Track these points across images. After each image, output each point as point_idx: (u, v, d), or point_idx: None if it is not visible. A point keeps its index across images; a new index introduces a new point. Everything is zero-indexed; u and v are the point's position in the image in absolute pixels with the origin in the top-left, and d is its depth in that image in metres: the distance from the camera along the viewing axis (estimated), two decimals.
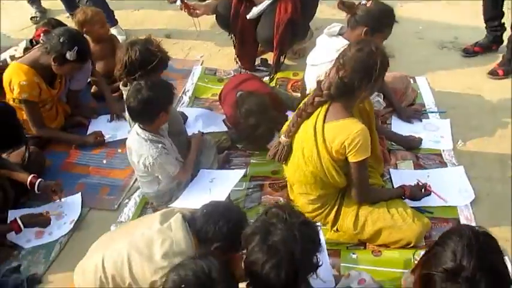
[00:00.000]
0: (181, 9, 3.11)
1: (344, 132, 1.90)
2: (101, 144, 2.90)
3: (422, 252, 1.95)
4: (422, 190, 2.19)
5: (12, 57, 3.11)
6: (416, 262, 1.94)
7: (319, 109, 1.97)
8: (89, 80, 3.16)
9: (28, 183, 2.45)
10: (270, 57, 3.35)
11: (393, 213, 2.06)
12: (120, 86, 2.60)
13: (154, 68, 2.39)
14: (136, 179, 2.66)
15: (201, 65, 3.51)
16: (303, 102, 2.08)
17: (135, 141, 2.26)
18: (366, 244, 2.13)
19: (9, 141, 2.28)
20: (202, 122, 2.87)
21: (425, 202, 2.22)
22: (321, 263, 1.47)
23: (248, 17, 3.04)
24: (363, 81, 1.86)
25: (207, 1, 3.26)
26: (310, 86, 2.52)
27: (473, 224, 2.09)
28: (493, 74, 2.98)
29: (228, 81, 2.98)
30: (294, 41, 3.15)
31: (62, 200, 2.52)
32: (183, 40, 3.83)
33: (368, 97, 2.05)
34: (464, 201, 2.26)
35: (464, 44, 3.33)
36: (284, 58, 3.17)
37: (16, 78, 2.64)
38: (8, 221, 2.36)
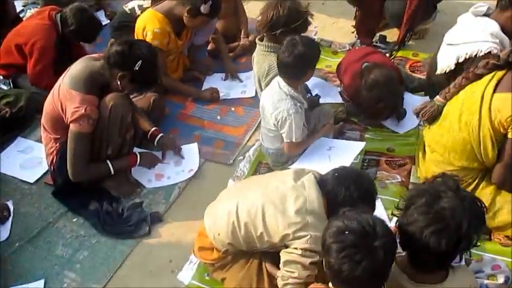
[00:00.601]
0: None
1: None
2: (216, 100, 2.98)
3: None
4: None
5: (140, 7, 3.25)
6: None
7: (490, 76, 1.91)
8: None
9: (149, 134, 2.58)
10: (388, 34, 3.26)
11: None
12: (256, 40, 2.63)
13: (298, 28, 2.41)
14: (249, 138, 2.74)
15: (315, 35, 3.47)
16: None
17: (276, 93, 2.29)
18: (491, 233, 2.05)
19: (150, 80, 2.38)
20: (318, 91, 2.85)
21: None
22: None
23: None
24: None
25: None
26: (444, 65, 2.42)
27: None
28: None
29: (350, 52, 2.94)
30: (422, 19, 3.02)
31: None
32: None
33: None
34: None
35: None
36: (411, 36, 3.06)
37: (151, 25, 2.75)
38: None
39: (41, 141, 2.63)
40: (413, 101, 2.76)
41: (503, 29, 2.27)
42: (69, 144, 2.28)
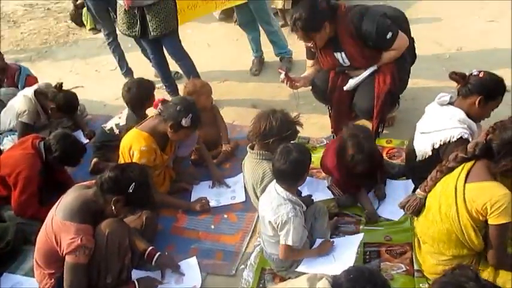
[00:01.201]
0: (282, 81, 3.30)
1: (487, 194, 1.94)
2: (206, 210, 3.00)
3: None
4: None
5: (118, 126, 3.36)
6: None
7: (460, 168, 2.04)
8: None
9: (147, 255, 2.54)
10: (360, 123, 3.48)
11: None
12: (248, 148, 2.74)
13: (289, 136, 2.54)
14: (247, 245, 2.74)
15: None
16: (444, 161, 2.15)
17: (275, 199, 2.35)
18: None
19: (145, 201, 2.39)
20: (307, 189, 2.94)
21: None
22: None
23: (345, 88, 3.20)
24: (505, 150, 1.94)
25: (305, 73, 3.45)
26: (422, 153, 2.60)
27: None
28: None
29: (328, 144, 3.10)
30: (390, 110, 3.27)
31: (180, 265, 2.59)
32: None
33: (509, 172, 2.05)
34: None
35: None
36: (383, 127, 3.28)
37: (137, 144, 2.83)
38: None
39: (29, 275, 2.51)
40: (395, 187, 2.91)
41: (468, 115, 2.49)
42: (65, 277, 2.22)
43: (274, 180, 2.43)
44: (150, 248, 2.55)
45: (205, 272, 2.58)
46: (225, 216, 2.96)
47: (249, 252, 2.68)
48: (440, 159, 2.48)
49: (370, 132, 2.88)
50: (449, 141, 2.45)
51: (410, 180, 2.88)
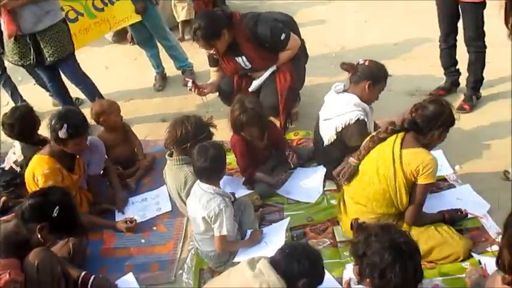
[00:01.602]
0: (190, 89, 3.41)
1: (419, 158, 2.27)
2: (133, 229, 2.95)
3: (467, 263, 2.27)
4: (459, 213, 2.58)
5: (16, 162, 3.20)
6: (468, 267, 2.24)
7: (394, 137, 2.36)
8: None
9: (81, 280, 2.45)
10: None
11: (441, 232, 2.38)
12: (166, 156, 2.79)
13: (204, 139, 2.64)
14: (181, 251, 2.78)
15: None
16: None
17: (203, 196, 2.44)
18: None
19: (71, 224, 2.32)
20: (229, 187, 3.07)
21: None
22: None
23: (250, 89, 3.42)
24: (428, 126, 2.32)
25: (210, 80, 3.59)
26: (328, 137, 2.89)
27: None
28: (461, 109, 3.54)
29: None
30: (293, 106, 3.54)
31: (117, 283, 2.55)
32: None
33: (435, 142, 2.42)
34: (482, 211, 2.63)
35: (426, 90, 3.92)
36: (290, 122, 3.54)
37: (39, 170, 2.74)
38: None
39: None
40: (308, 173, 3.16)
41: (360, 99, 2.83)
42: None
43: (198, 181, 2.53)
44: (83, 273, 2.47)
45: (144, 285, 2.57)
46: (154, 228, 2.96)
47: (184, 257, 2.72)
48: (343, 140, 2.80)
49: (258, 101, 3.02)
50: (349, 123, 2.76)
51: (321, 166, 3.15)
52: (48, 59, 3.48)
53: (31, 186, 2.77)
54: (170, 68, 4.68)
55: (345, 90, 2.88)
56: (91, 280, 2.46)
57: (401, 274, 1.66)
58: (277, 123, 3.42)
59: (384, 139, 2.42)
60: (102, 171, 3.24)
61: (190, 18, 5.07)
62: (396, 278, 1.66)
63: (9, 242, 2.17)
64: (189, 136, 2.65)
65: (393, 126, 2.40)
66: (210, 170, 2.43)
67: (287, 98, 3.32)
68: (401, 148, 2.32)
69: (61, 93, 3.91)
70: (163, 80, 4.60)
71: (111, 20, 4.29)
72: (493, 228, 2.53)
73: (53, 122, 2.72)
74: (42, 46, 3.44)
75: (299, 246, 2.07)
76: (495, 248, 2.31)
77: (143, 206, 3.14)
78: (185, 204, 2.66)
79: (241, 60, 3.39)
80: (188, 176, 2.63)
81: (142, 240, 2.88)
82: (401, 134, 2.37)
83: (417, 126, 2.35)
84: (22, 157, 3.08)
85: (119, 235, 2.93)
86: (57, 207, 2.21)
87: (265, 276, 1.91)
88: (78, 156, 2.96)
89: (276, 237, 2.54)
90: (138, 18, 4.19)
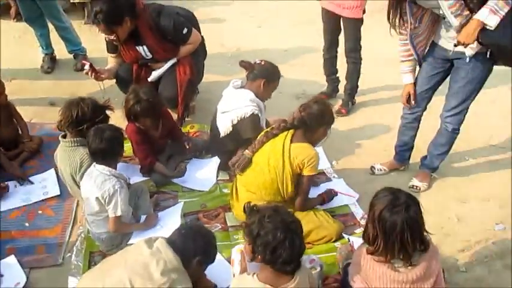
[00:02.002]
0: (86, 73, 3.32)
1: (305, 152, 2.56)
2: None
3: (338, 243, 2.63)
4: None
5: None
6: (339, 246, 2.60)
7: (285, 133, 2.61)
8: None
9: None
10: None
11: (319, 216, 2.70)
12: (60, 138, 2.70)
13: (101, 121, 2.63)
14: (70, 235, 2.72)
15: None
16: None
17: (98, 177, 2.45)
18: None
19: None
20: (125, 174, 3.06)
21: (329, 205, 2.94)
22: None
23: (149, 79, 3.46)
24: (314, 123, 2.63)
25: (108, 66, 3.54)
26: (224, 129, 3.06)
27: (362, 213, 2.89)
28: (338, 112, 3.99)
29: None
30: (191, 99, 3.66)
31: None
32: None
33: (320, 138, 2.75)
34: (352, 201, 3.04)
35: (310, 94, 4.32)
36: (188, 114, 3.64)
37: None
38: None
39: None
40: (203, 163, 3.32)
41: (256, 95, 3.07)
42: None
43: (94, 163, 2.52)
44: None
45: (28, 268, 2.47)
46: (40, 212, 2.85)
47: (73, 241, 2.67)
48: (238, 132, 3.01)
49: (153, 91, 3.08)
50: (244, 116, 2.98)
51: (215, 157, 3.32)
52: None
53: None
54: (60, 50, 4.47)
55: (242, 87, 3.10)
56: None
57: (289, 249, 1.88)
58: (175, 115, 3.51)
59: (276, 135, 2.68)
60: None
61: (85, 1, 4.89)
62: (285, 252, 1.88)
63: None
64: (86, 117, 2.62)
65: (285, 123, 2.68)
66: (106, 151, 2.46)
67: (186, 90, 3.44)
68: (290, 143, 2.60)
69: None
70: (52, 62, 4.39)
71: None
72: (360, 214, 2.94)
73: None
74: None
75: (194, 227, 2.23)
76: (361, 230, 2.70)
77: (27, 189, 2.99)
78: (78, 187, 2.62)
79: (142, 50, 3.41)
80: (84, 158, 2.60)
81: (27, 224, 2.76)
82: (291, 131, 2.65)
83: (305, 123, 2.65)
84: None
85: None
86: None
87: (162, 253, 2.01)
88: None
89: (170, 221, 2.65)
90: None
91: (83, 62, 3.38)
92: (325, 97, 4.17)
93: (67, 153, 2.67)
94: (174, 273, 1.97)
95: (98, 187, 2.43)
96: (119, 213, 2.46)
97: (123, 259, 2.04)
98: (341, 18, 3.69)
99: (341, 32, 3.84)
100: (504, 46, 2.44)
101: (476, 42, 2.49)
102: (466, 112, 2.91)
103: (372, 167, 3.37)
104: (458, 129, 3.00)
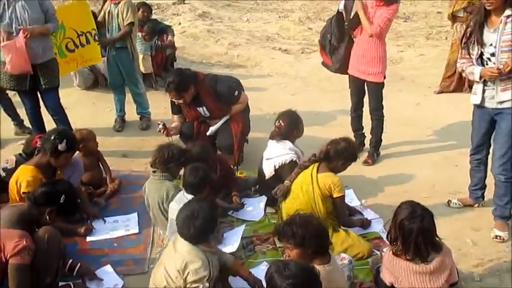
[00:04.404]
0: (159, 131, 4.14)
1: (329, 179, 3.23)
2: (90, 230, 3.48)
3: (369, 259, 3.18)
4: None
5: (5, 169, 3.64)
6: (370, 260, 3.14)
7: (312, 166, 3.30)
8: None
9: (69, 265, 2.94)
10: None
11: (352, 237, 3.27)
12: (150, 173, 3.49)
13: (184, 162, 3.42)
14: (150, 253, 3.35)
15: None
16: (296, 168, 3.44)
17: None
18: None
19: (74, 210, 2.93)
20: None
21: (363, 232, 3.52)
22: None
23: (208, 133, 4.26)
24: (336, 158, 3.30)
25: (173, 125, 4.35)
26: (268, 173, 3.81)
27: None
28: (366, 162, 4.65)
29: None
30: (243, 148, 4.42)
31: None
32: (138, 158, 4.72)
33: (340, 169, 3.37)
34: (380, 227, 3.61)
35: None
36: (242, 160, 4.38)
37: (23, 176, 3.22)
38: None
39: None
40: (253, 201, 3.94)
41: (293, 142, 3.79)
42: (11, 279, 2.49)
43: (183, 191, 3.20)
44: (71, 260, 2.96)
45: (122, 275, 3.09)
46: (125, 235, 3.50)
47: (153, 257, 3.29)
48: (280, 175, 3.68)
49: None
50: (284, 162, 3.70)
51: (263, 196, 3.97)
52: (43, 86, 4.08)
53: (13, 191, 3.23)
54: (128, 112, 5.39)
55: (281, 139, 3.84)
56: (77, 267, 2.94)
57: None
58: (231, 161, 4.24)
59: (307, 167, 3.36)
60: None
61: (150, 72, 5.94)
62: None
63: (24, 220, 2.68)
64: (174, 158, 3.38)
65: (314, 157, 3.37)
66: (197, 185, 3.15)
67: (240, 140, 4.22)
68: (317, 173, 3.27)
69: (38, 120, 4.45)
70: (123, 123, 5.28)
71: (79, 60, 5.05)
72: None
73: (52, 137, 3.29)
74: (39, 75, 4.04)
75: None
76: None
77: (113, 226, 3.62)
78: (162, 213, 3.30)
79: (202, 110, 4.25)
80: (170, 189, 3.33)
81: (115, 244, 3.41)
82: (317, 164, 3.33)
83: (328, 156, 3.31)
84: (14, 165, 3.51)
85: (92, 241, 3.42)
86: (63, 195, 2.78)
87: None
88: (59, 172, 3.48)
89: (232, 239, 3.27)
90: (100, 60, 5.06)
91: (159, 121, 4.18)
92: None
93: (154, 185, 3.40)
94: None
95: None
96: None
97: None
98: (365, 83, 4.47)
99: (365, 94, 4.60)
100: None
101: (510, 93, 3.10)
102: None
103: (449, 201, 3.87)
104: (511, 177, 3.33)
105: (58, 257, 2.72)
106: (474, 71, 3.25)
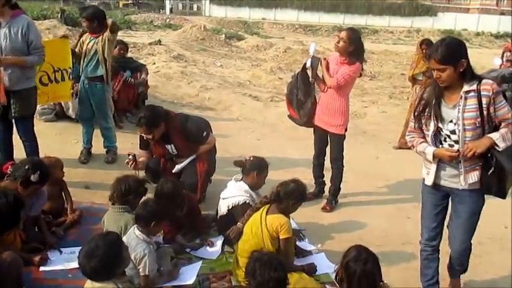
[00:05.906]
0: (127, 162, 4.20)
1: (278, 221, 3.34)
2: (44, 260, 3.41)
3: None
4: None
5: None
6: None
7: (262, 208, 3.43)
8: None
9: None
10: None
11: (304, 278, 3.37)
12: (110, 205, 3.50)
13: (142, 192, 3.50)
14: None
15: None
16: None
17: (133, 240, 3.13)
18: None
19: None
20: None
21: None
22: None
23: (174, 171, 4.37)
24: (286, 198, 3.43)
25: (140, 159, 4.42)
26: (222, 211, 3.93)
27: None
28: (324, 209, 4.83)
29: None
30: (206, 187, 4.52)
31: None
32: (100, 191, 4.72)
33: (291, 210, 3.49)
34: (331, 269, 3.70)
35: None
36: (204, 199, 4.48)
37: None
38: None
39: None
40: (213, 237, 4.03)
41: (251, 186, 3.93)
42: None
43: (135, 226, 3.26)
44: None
45: None
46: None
47: None
48: (234, 215, 3.80)
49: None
50: (237, 204, 3.83)
51: (221, 235, 4.04)
52: (14, 113, 4.13)
53: None
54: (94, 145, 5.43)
55: (240, 180, 3.99)
56: None
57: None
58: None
59: (259, 208, 3.51)
60: None
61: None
62: None
63: None
64: (132, 190, 3.44)
65: (266, 198, 3.52)
66: (149, 219, 3.18)
67: (204, 179, 4.33)
68: (266, 214, 3.40)
69: (8, 147, 4.46)
70: (88, 155, 5.31)
71: (51, 95, 5.11)
72: None
73: (26, 166, 3.33)
74: (12, 102, 4.08)
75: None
76: None
77: (69, 257, 3.52)
78: None
79: (170, 148, 4.38)
80: (129, 221, 3.36)
81: (70, 275, 3.37)
82: (267, 206, 3.47)
83: (279, 197, 3.44)
84: None
85: (46, 271, 3.37)
86: None
87: None
88: None
89: (187, 276, 3.32)
90: (70, 99, 5.22)
91: (128, 153, 4.26)
92: (312, 196, 5.03)
93: (113, 217, 3.43)
94: None
95: (133, 249, 3.06)
96: (146, 272, 3.08)
97: None
98: (328, 134, 4.73)
99: (327, 144, 4.85)
100: (504, 169, 2.76)
101: (477, 174, 2.86)
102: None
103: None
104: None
105: (16, 284, 2.70)
106: (426, 151, 2.96)
